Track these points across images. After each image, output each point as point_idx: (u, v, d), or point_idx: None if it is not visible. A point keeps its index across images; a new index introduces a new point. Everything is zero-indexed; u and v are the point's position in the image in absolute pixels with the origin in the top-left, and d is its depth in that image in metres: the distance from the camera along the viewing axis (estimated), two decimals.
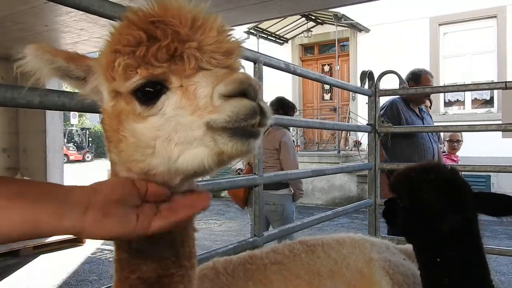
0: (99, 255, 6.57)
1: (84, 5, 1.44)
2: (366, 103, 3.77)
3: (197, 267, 0.97)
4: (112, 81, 0.78)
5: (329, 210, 3.22)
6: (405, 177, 1.53)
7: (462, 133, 5.30)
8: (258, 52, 2.37)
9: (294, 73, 2.96)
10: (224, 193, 12.42)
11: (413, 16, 12.18)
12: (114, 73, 0.77)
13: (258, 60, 2.28)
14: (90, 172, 19.24)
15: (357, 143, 12.23)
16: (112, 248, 0.92)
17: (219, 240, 7.36)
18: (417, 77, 4.26)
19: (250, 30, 12.86)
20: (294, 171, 3.87)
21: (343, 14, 11.89)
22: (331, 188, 10.94)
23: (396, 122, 3.91)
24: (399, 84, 3.70)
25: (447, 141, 5.16)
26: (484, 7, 11.46)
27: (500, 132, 3.55)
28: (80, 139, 29.89)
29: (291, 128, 5.88)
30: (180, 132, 0.73)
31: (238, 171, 4.93)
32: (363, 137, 11.46)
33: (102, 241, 7.16)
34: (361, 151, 11.36)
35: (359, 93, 4.76)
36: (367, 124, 3.71)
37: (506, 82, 3.25)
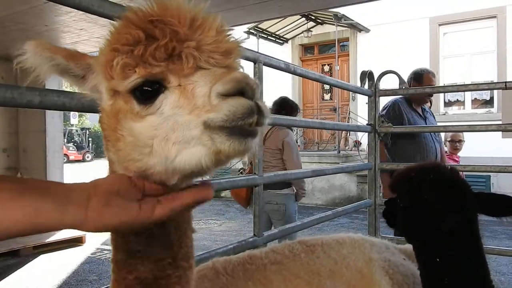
0: (99, 255, 6.57)
1: (84, 5, 1.44)
2: (366, 103, 3.77)
3: (195, 268, 0.97)
4: (111, 80, 0.79)
5: (329, 210, 3.22)
6: (405, 177, 1.53)
7: (463, 133, 5.29)
8: (258, 52, 2.37)
9: (294, 73, 2.96)
10: (224, 193, 12.42)
11: (413, 16, 12.18)
12: (112, 72, 0.77)
13: (258, 60, 2.28)
14: (90, 172, 19.24)
15: (357, 143, 12.23)
16: None
17: (219, 240, 7.36)
18: (419, 77, 4.23)
19: (250, 30, 12.86)
20: (294, 171, 3.87)
21: (343, 14, 11.90)
22: (331, 188, 10.94)
23: (398, 122, 3.89)
24: (399, 84, 3.70)
25: (448, 141, 5.13)
26: (484, 7, 11.46)
27: (500, 132, 3.55)
28: (80, 139, 29.90)
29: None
30: (177, 131, 0.73)
31: (241, 171, 4.94)
32: (363, 137, 11.47)
33: (102, 241, 7.16)
34: (361, 151, 11.36)
35: (359, 93, 4.75)
36: (367, 124, 3.71)
37: (506, 82, 3.25)
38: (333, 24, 12.59)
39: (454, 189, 1.41)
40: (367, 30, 13.10)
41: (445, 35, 12.39)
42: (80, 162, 27.69)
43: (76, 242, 7.12)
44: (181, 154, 0.74)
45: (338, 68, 13.18)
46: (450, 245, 1.38)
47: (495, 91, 11.10)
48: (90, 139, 30.70)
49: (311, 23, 13.60)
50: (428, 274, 1.43)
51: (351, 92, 12.42)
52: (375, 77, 3.64)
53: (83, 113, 28.07)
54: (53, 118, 7.29)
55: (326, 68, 14.60)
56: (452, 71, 12.09)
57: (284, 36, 14.24)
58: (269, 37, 13.86)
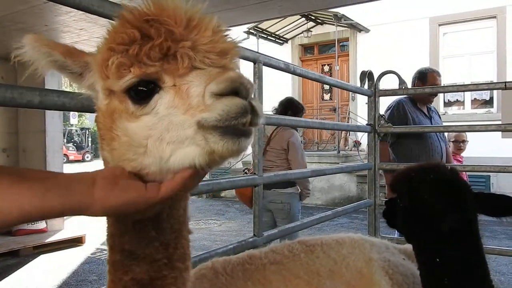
0: (99, 255, 6.57)
1: (84, 5, 1.44)
2: (366, 103, 3.77)
3: (191, 269, 0.97)
4: (106, 79, 0.78)
5: (328, 210, 3.22)
6: (405, 177, 1.54)
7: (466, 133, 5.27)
8: (258, 52, 2.37)
9: (293, 73, 2.96)
10: (224, 193, 12.42)
11: (413, 16, 12.18)
12: (108, 71, 0.77)
13: (258, 60, 2.28)
14: None
15: (357, 143, 12.23)
16: None
17: (218, 240, 7.36)
18: (424, 76, 4.19)
19: (250, 30, 12.86)
20: (293, 171, 3.88)
21: (343, 14, 11.89)
22: (330, 188, 10.94)
23: (403, 122, 3.88)
24: (399, 84, 3.70)
25: (452, 141, 5.10)
26: (484, 8, 11.46)
27: (500, 132, 3.55)
28: (79, 139, 29.89)
29: None
30: (172, 131, 0.73)
31: (245, 170, 4.94)
32: (363, 137, 11.47)
33: (102, 241, 7.15)
34: (360, 151, 11.36)
35: (359, 93, 4.76)
36: (366, 124, 3.71)
37: (505, 82, 3.25)
38: (333, 24, 12.59)
39: (454, 189, 1.42)
40: (367, 30, 13.10)
41: (445, 35, 12.40)
42: (80, 162, 27.68)
43: (76, 242, 7.13)
44: (175, 154, 0.74)
45: (338, 68, 13.17)
46: (450, 245, 1.38)
47: (495, 91, 11.11)
48: (90, 139, 30.69)
49: (311, 23, 13.60)
50: (428, 274, 1.43)
51: (351, 92, 12.42)
52: (375, 77, 3.65)
53: (83, 113, 28.05)
54: (53, 118, 7.29)
55: (326, 68, 14.60)
56: (452, 71, 12.08)
57: (284, 36, 14.24)
58: (269, 37, 13.86)
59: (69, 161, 25.89)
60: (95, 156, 29.95)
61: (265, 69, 2.35)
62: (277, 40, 14.24)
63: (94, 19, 5.15)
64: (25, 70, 0.83)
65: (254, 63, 2.29)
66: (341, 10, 11.67)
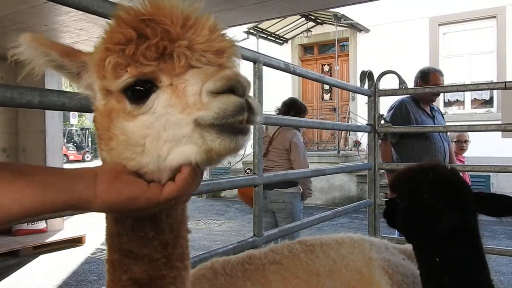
0: (99, 255, 6.57)
1: (83, 5, 1.44)
2: (366, 103, 3.77)
3: (190, 268, 0.97)
4: (103, 79, 0.78)
5: (328, 210, 3.22)
6: (404, 177, 1.54)
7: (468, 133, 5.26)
8: (257, 52, 2.37)
9: (293, 73, 2.96)
10: (224, 193, 12.42)
11: (412, 16, 12.18)
12: (105, 71, 0.77)
13: (258, 60, 2.28)
14: None
15: (357, 143, 12.23)
16: None
17: (218, 240, 7.36)
18: (426, 76, 4.16)
19: (250, 30, 12.86)
20: (293, 171, 3.88)
21: (343, 14, 11.89)
22: (330, 188, 10.94)
23: (405, 122, 3.86)
24: (399, 84, 3.69)
25: (454, 141, 5.09)
26: (484, 7, 11.46)
27: (500, 132, 3.55)
28: (79, 139, 29.89)
29: None
30: (169, 130, 0.73)
31: (247, 170, 4.96)
32: (363, 137, 11.46)
33: (101, 241, 7.15)
34: (360, 151, 11.36)
35: (359, 93, 4.76)
36: (366, 124, 3.71)
37: (505, 82, 3.25)
38: (333, 24, 12.59)
39: (453, 189, 1.42)
40: (367, 30, 13.10)
41: (445, 35, 12.39)
42: (80, 162, 27.66)
43: (76, 242, 7.13)
44: (172, 152, 0.74)
45: (337, 68, 13.17)
46: (450, 245, 1.38)
47: (495, 91, 11.11)
48: (90, 139, 30.68)
49: (311, 23, 13.60)
50: (428, 274, 1.43)
51: (350, 92, 12.42)
52: (375, 77, 3.65)
53: (83, 113, 28.06)
54: (52, 118, 7.28)
55: (326, 68, 14.59)
56: (452, 71, 12.07)
57: (283, 36, 14.24)
58: (268, 37, 13.85)
59: (69, 161, 25.88)
60: (95, 156, 29.94)
61: (265, 69, 2.35)
62: (277, 40, 14.23)
63: (94, 19, 5.15)
64: (23, 70, 0.83)
65: (254, 63, 2.29)
66: (341, 10, 11.67)
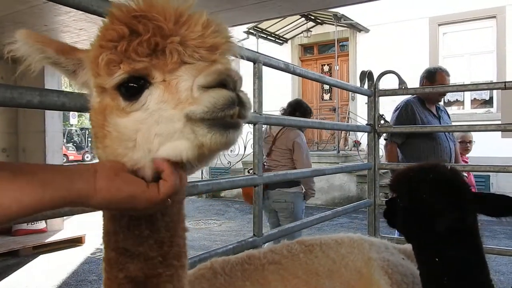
0: (99, 255, 6.56)
1: (83, 5, 1.44)
2: (366, 103, 3.77)
3: (188, 266, 0.97)
4: (98, 76, 0.79)
5: (328, 210, 3.22)
6: (404, 177, 1.54)
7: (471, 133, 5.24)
8: (257, 52, 2.37)
9: (293, 73, 2.96)
10: (224, 193, 12.42)
11: (412, 16, 12.18)
12: (98, 69, 0.77)
13: (258, 60, 2.28)
14: None
15: (357, 143, 12.22)
16: None
17: (218, 240, 7.36)
18: (432, 76, 4.14)
19: (250, 30, 12.85)
20: (293, 171, 3.88)
21: (343, 14, 11.89)
22: (330, 188, 10.94)
23: (411, 123, 3.85)
24: (399, 84, 3.69)
25: (459, 142, 5.07)
26: (484, 7, 11.46)
27: (500, 132, 3.55)
28: (79, 139, 29.89)
29: None
30: (161, 124, 0.73)
31: (249, 171, 4.98)
32: (363, 137, 11.46)
33: (101, 241, 7.12)
34: (360, 151, 11.36)
35: (359, 93, 4.76)
36: (366, 124, 3.71)
37: (505, 82, 3.25)
38: (333, 24, 12.58)
39: (453, 189, 1.42)
40: (366, 30, 13.10)
41: (444, 35, 12.40)
42: (80, 162, 27.64)
43: (75, 242, 7.12)
44: (163, 146, 0.74)
45: (337, 68, 13.17)
46: (449, 245, 1.38)
47: (495, 91, 11.11)
48: (89, 139, 30.65)
49: (311, 23, 13.59)
50: (428, 273, 1.43)
51: (350, 92, 12.42)
52: (375, 77, 3.65)
53: (83, 113, 28.06)
54: (52, 118, 7.28)
55: (326, 68, 14.59)
56: (452, 71, 11.99)
57: (283, 36, 14.23)
58: (268, 37, 13.85)
59: (69, 161, 25.87)
60: (95, 156, 29.92)
61: (265, 69, 2.35)
62: (276, 40, 14.23)
63: (93, 19, 5.15)
64: (20, 63, 0.83)
65: (254, 63, 2.29)
66: (341, 10, 11.67)
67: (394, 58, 11.35)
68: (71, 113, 28.97)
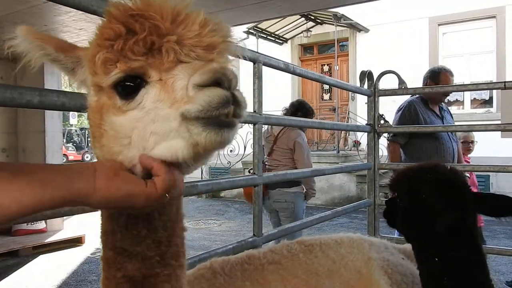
0: (99, 255, 6.54)
1: (83, 5, 1.44)
2: (366, 103, 3.77)
3: (186, 266, 0.96)
4: (95, 75, 0.79)
5: (328, 210, 3.22)
6: (404, 177, 1.54)
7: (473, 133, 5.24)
8: (257, 52, 2.37)
9: (293, 73, 2.96)
10: (224, 193, 12.42)
11: (412, 16, 12.18)
12: (95, 67, 0.78)
13: (258, 60, 2.28)
14: None
15: (357, 143, 12.23)
16: None
17: (218, 240, 7.36)
18: (436, 76, 4.12)
19: (250, 30, 12.85)
20: (293, 171, 3.88)
21: (343, 14, 11.89)
22: (330, 188, 10.94)
23: (414, 123, 3.84)
24: (398, 84, 3.69)
25: (461, 142, 5.06)
26: (483, 7, 11.46)
27: (499, 132, 3.55)
28: (79, 139, 29.89)
29: None
30: (157, 123, 0.74)
31: (250, 170, 5.00)
32: (362, 137, 11.46)
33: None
34: (360, 151, 11.36)
35: (359, 93, 4.76)
36: (366, 124, 3.71)
37: (505, 82, 3.25)
38: (333, 24, 12.58)
39: (453, 189, 1.42)
40: (366, 30, 13.10)
41: (444, 35, 12.40)
42: (80, 162, 27.64)
43: (75, 242, 7.12)
44: (159, 145, 0.74)
45: (337, 68, 13.17)
46: (449, 245, 1.38)
47: (494, 91, 11.11)
48: (89, 139, 30.60)
49: (311, 23, 13.59)
50: (428, 273, 1.43)
51: (350, 92, 12.42)
52: (375, 77, 3.65)
53: (83, 113, 27.99)
54: (52, 118, 7.28)
55: (326, 68, 14.59)
56: (452, 71, 12.08)
57: (283, 36, 14.23)
58: (268, 37, 13.85)
59: (69, 161, 25.87)
60: (94, 156, 29.88)
61: (265, 69, 2.35)
62: (276, 40, 14.23)
63: (93, 19, 5.13)
64: (22, 67, 0.84)
65: (254, 63, 2.29)
66: (341, 10, 11.67)
67: (394, 58, 11.35)
68: (71, 113, 28.96)
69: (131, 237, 0.85)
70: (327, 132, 13.55)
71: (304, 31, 13.69)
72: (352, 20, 12.35)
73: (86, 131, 30.99)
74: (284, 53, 14.05)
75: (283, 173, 3.13)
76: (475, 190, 4.53)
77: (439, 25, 12.23)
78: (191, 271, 1.35)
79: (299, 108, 4.68)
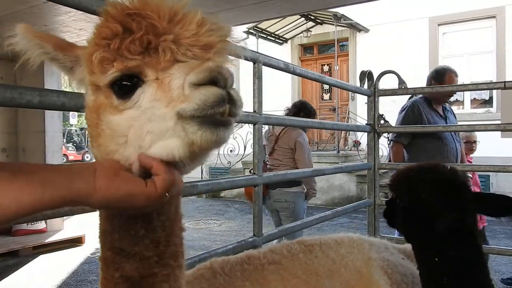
0: (99, 256, 6.55)
1: (83, 5, 1.44)
2: (366, 103, 3.77)
3: (185, 266, 0.96)
4: (92, 74, 0.79)
5: (328, 210, 3.22)
6: (404, 177, 1.54)
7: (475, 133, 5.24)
8: (257, 52, 2.37)
9: (293, 73, 2.96)
10: (224, 193, 12.41)
11: (412, 16, 12.18)
12: (93, 66, 0.78)
13: (258, 60, 2.28)
14: None
15: (357, 143, 12.23)
16: None
17: (218, 240, 7.36)
18: (441, 76, 4.10)
19: (250, 30, 12.85)
20: (293, 171, 3.88)
21: (343, 14, 11.89)
22: (330, 188, 10.94)
23: (418, 124, 3.83)
24: (398, 84, 3.69)
25: (464, 142, 5.04)
26: (483, 7, 11.46)
27: (499, 132, 3.55)
28: (79, 139, 29.89)
29: None
30: (153, 122, 0.74)
31: (251, 170, 5.02)
32: (363, 137, 11.46)
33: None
34: (360, 151, 11.36)
35: (359, 93, 4.76)
36: (366, 124, 3.71)
37: (505, 82, 3.25)
38: (333, 24, 12.58)
39: (453, 189, 1.42)
40: (366, 30, 13.10)
41: (444, 35, 12.40)
42: (80, 162, 27.62)
43: (75, 242, 7.12)
44: (155, 144, 0.74)
45: (337, 68, 13.17)
46: (449, 245, 1.38)
47: (494, 91, 11.10)
48: (89, 139, 30.63)
49: (311, 23, 13.59)
50: (428, 273, 1.43)
51: (350, 92, 12.42)
52: (375, 77, 3.65)
53: (83, 113, 27.97)
54: (52, 118, 7.28)
55: (326, 68, 14.59)
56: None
57: (283, 36, 14.23)
58: (268, 37, 13.85)
59: (69, 161, 25.87)
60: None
61: (265, 69, 2.35)
62: (276, 40, 14.23)
63: (93, 19, 5.12)
64: (23, 69, 0.84)
65: (254, 63, 2.29)
66: (341, 10, 11.67)
67: (394, 58, 11.35)
68: (71, 113, 28.96)
69: (129, 237, 0.85)
70: (327, 132, 13.55)
71: (304, 31, 13.69)
72: (352, 20, 12.35)
73: (86, 131, 30.96)
74: (284, 53, 14.05)
75: (283, 173, 3.13)
76: (477, 190, 4.56)
77: (439, 25, 12.23)
78: (190, 271, 1.35)
79: (301, 109, 4.71)
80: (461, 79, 11.57)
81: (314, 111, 4.86)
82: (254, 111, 2.28)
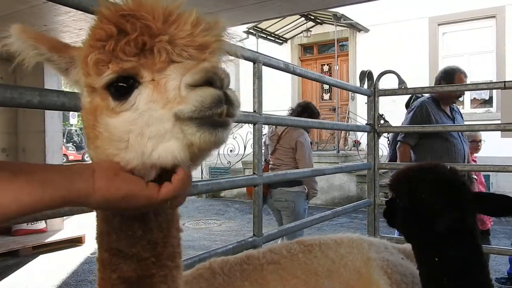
0: (96, 256, 6.55)
1: (83, 5, 1.44)
2: (366, 103, 3.77)
3: (182, 266, 0.96)
4: (88, 76, 0.78)
5: (328, 210, 3.22)
6: (404, 177, 1.54)
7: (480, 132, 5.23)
8: (257, 52, 2.37)
9: (293, 73, 2.96)
10: (224, 193, 12.42)
11: (412, 16, 12.18)
12: (88, 68, 0.77)
13: (258, 60, 2.28)
14: None
15: (357, 143, 12.23)
16: None
17: (218, 240, 7.36)
18: (451, 77, 4.09)
19: (250, 30, 12.85)
20: (293, 171, 3.89)
21: (343, 14, 11.89)
22: (330, 188, 10.94)
23: (426, 124, 3.82)
24: (398, 84, 3.69)
25: (470, 141, 5.03)
26: (483, 7, 11.46)
27: (499, 132, 3.55)
28: (79, 139, 29.88)
29: None
30: (152, 125, 0.73)
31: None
32: (362, 137, 11.46)
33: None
34: (360, 151, 11.36)
35: (359, 93, 4.77)
36: (366, 124, 3.71)
37: (505, 82, 3.25)
38: (333, 24, 12.58)
39: (453, 189, 1.42)
40: (366, 30, 13.10)
41: (444, 35, 12.40)
42: (79, 162, 27.63)
43: (75, 242, 7.12)
44: (157, 148, 0.74)
45: (337, 68, 13.16)
46: (449, 245, 1.38)
47: (494, 91, 11.10)
48: None
49: (311, 23, 13.59)
50: (427, 273, 1.43)
51: (350, 92, 12.42)
52: (375, 77, 3.65)
53: None
54: (52, 118, 7.28)
55: (326, 68, 14.58)
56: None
57: (283, 36, 14.23)
58: (268, 37, 13.84)
59: (69, 161, 25.88)
60: None
61: (265, 69, 2.36)
62: (276, 40, 14.23)
63: (93, 19, 5.14)
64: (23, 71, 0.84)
65: (254, 63, 2.29)
66: (341, 10, 11.66)
67: (393, 58, 11.35)
68: (71, 113, 28.95)
69: (126, 238, 0.85)
70: (327, 132, 13.55)
71: (304, 31, 13.69)
72: (352, 20, 12.35)
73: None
74: (284, 53, 14.04)
75: (283, 173, 3.13)
76: (483, 189, 4.55)
77: (439, 25, 12.23)
78: (189, 271, 1.35)
79: (305, 109, 4.75)
80: None
81: (318, 112, 4.90)
82: (254, 111, 2.28)
